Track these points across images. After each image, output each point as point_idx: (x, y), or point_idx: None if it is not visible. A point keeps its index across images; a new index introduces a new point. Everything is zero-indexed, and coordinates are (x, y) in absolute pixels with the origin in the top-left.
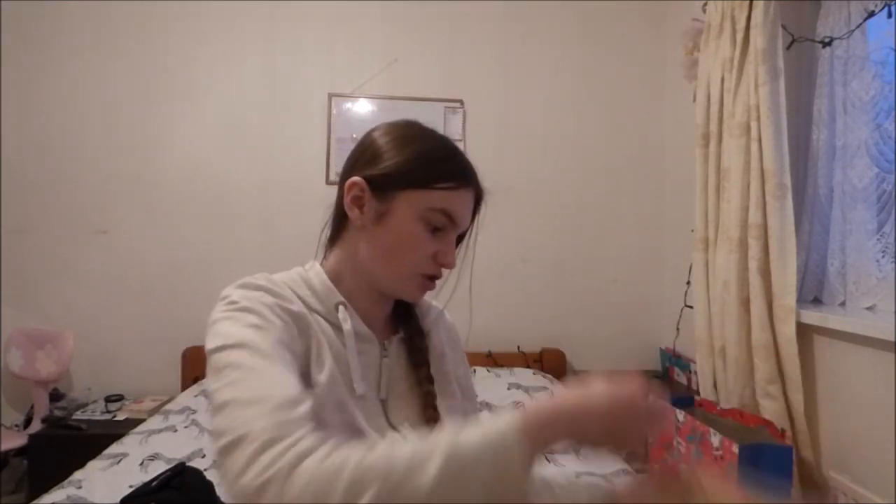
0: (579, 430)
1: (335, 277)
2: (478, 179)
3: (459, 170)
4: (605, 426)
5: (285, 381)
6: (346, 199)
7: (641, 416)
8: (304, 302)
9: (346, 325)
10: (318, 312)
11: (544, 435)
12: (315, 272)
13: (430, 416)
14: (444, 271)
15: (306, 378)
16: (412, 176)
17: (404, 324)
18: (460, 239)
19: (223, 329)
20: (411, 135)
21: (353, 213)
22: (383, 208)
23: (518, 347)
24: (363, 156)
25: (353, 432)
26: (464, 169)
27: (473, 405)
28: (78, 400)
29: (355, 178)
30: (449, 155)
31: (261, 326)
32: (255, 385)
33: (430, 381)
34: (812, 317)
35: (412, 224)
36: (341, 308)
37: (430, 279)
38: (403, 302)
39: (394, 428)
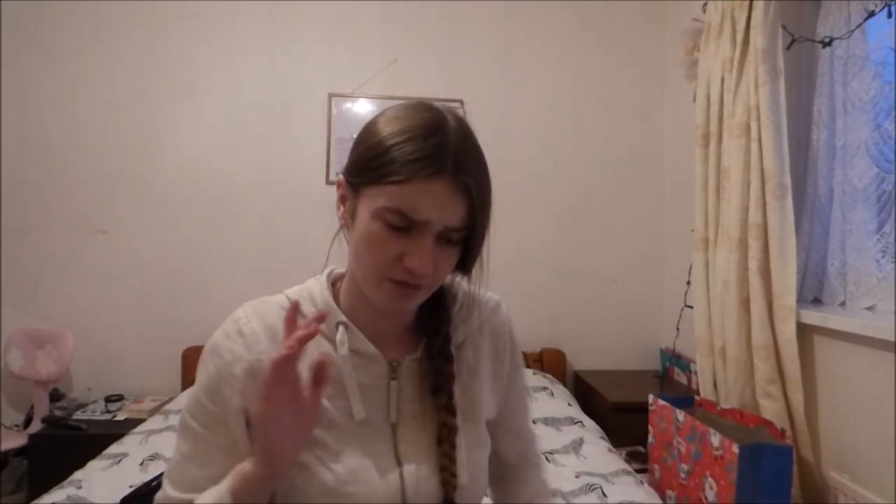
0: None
1: (346, 287)
2: (453, 164)
3: (414, 158)
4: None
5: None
6: (336, 198)
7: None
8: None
9: (343, 349)
10: (322, 333)
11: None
12: (319, 287)
13: (445, 450)
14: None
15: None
16: (366, 168)
17: (430, 338)
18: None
19: (188, 399)
20: (384, 118)
21: (338, 213)
22: (353, 205)
23: None
24: (353, 146)
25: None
26: (420, 157)
27: (516, 421)
28: (78, 400)
29: (339, 176)
30: (405, 140)
31: (202, 427)
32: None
33: (452, 411)
34: (812, 317)
35: (370, 223)
36: (341, 329)
37: (406, 286)
38: (433, 308)
39: (399, 460)
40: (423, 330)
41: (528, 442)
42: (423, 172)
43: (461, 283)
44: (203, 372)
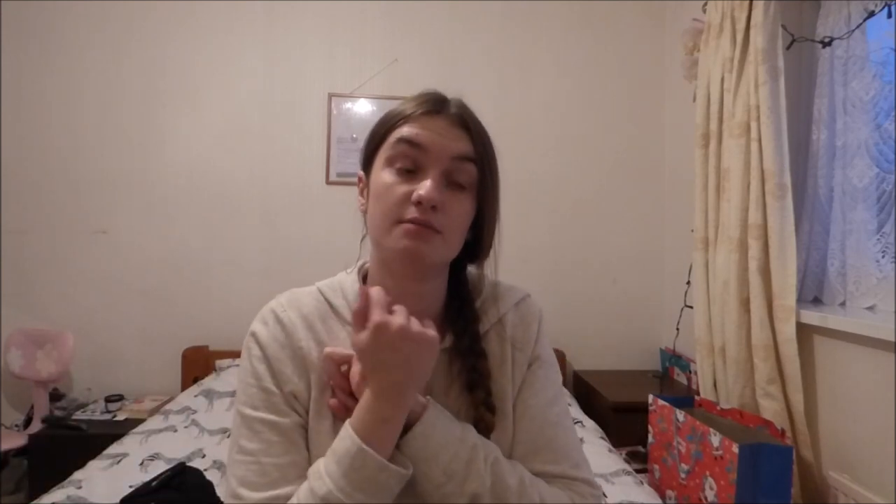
0: (390, 397)
1: (371, 277)
2: (452, 109)
3: (416, 103)
4: (388, 369)
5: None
6: (357, 196)
7: (396, 337)
8: (336, 314)
9: None
10: (350, 324)
11: (377, 430)
12: (351, 280)
13: None
14: (443, 226)
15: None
16: (376, 134)
17: (458, 334)
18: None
19: (237, 387)
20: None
21: (359, 204)
22: (367, 182)
23: None
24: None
25: None
26: (422, 101)
27: (526, 407)
28: (78, 400)
29: (359, 173)
30: (410, 99)
31: (255, 406)
32: (243, 471)
33: (491, 408)
34: (812, 317)
35: (382, 174)
36: None
37: (415, 224)
38: (458, 301)
39: None
40: (448, 324)
41: (546, 429)
42: (424, 109)
43: (486, 275)
44: (248, 362)
